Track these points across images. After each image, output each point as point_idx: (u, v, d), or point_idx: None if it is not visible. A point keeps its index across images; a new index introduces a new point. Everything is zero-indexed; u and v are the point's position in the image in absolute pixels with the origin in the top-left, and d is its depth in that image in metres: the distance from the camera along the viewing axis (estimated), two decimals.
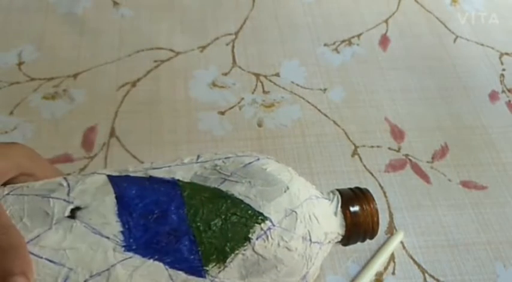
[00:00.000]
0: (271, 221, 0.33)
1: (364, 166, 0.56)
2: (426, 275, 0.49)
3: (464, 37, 0.70)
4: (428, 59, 0.67)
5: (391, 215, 0.53)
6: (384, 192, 0.55)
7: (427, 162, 0.57)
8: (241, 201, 0.33)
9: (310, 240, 0.34)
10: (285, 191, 0.34)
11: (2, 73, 0.63)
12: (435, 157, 0.58)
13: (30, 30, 0.67)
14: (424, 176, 0.56)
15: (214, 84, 0.63)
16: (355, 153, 0.58)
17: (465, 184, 0.56)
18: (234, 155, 0.36)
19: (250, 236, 0.32)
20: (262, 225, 0.32)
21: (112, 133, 0.58)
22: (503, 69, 0.66)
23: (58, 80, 0.62)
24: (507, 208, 0.54)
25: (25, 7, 0.70)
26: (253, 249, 0.32)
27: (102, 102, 0.60)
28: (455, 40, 0.69)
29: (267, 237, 0.32)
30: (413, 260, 0.50)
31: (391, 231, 0.52)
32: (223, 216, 0.32)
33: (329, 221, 0.36)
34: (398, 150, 0.58)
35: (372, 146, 0.58)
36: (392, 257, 0.50)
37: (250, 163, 0.35)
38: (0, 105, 0.59)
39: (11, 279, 0.27)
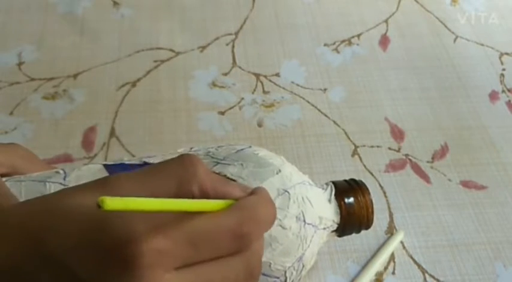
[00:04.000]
0: None
1: (364, 166, 0.56)
2: (426, 275, 0.49)
3: (464, 37, 0.70)
4: (428, 59, 0.67)
5: (391, 215, 0.53)
6: (384, 192, 0.55)
7: (427, 162, 0.57)
8: (234, 181, 0.33)
9: (304, 221, 0.34)
10: (277, 173, 0.35)
11: (2, 73, 0.63)
12: (435, 157, 0.58)
13: (30, 30, 0.67)
14: (424, 176, 0.56)
15: (214, 84, 0.63)
16: (355, 153, 0.58)
17: (465, 184, 0.56)
18: (227, 144, 0.37)
19: None
20: None
21: (112, 133, 0.58)
22: (503, 69, 0.66)
23: (58, 80, 0.62)
24: (507, 208, 0.54)
25: (25, 7, 0.70)
26: None
27: (102, 102, 0.60)
28: (455, 40, 0.69)
29: None
30: (413, 260, 0.50)
31: (391, 231, 0.52)
32: None
33: (323, 206, 0.37)
34: (398, 150, 0.58)
35: (372, 146, 0.58)
36: (392, 257, 0.50)
37: (242, 149, 0.36)
38: (0, 105, 0.59)
39: None
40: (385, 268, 0.49)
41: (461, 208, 0.54)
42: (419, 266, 0.50)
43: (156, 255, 0.21)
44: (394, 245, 0.50)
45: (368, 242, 0.51)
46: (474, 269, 0.49)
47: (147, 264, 0.21)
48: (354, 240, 0.51)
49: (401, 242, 0.51)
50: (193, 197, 0.25)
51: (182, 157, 0.25)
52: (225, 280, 0.24)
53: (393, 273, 0.49)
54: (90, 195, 0.23)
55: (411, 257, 0.50)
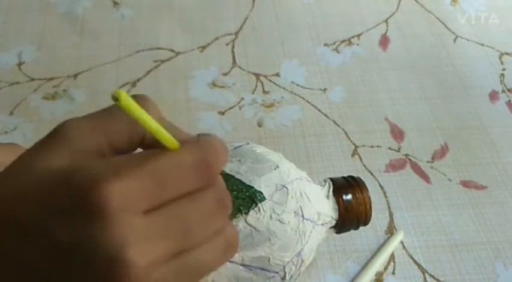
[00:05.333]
0: (262, 194, 0.33)
1: (364, 166, 0.56)
2: (426, 275, 0.49)
3: (464, 37, 0.70)
4: (428, 59, 0.67)
5: (391, 215, 0.53)
6: (384, 192, 0.54)
7: (427, 162, 0.57)
8: (232, 176, 0.34)
9: (303, 216, 0.34)
10: (275, 169, 0.35)
11: (2, 73, 0.63)
12: (435, 157, 0.58)
13: (30, 30, 0.67)
14: (424, 176, 0.56)
15: (214, 84, 0.63)
16: (355, 153, 0.58)
17: (465, 184, 0.56)
18: (225, 141, 0.37)
19: (241, 208, 0.32)
20: (253, 198, 0.33)
21: None
22: (503, 69, 0.66)
23: (58, 80, 0.62)
24: (507, 208, 0.54)
25: (25, 7, 0.70)
26: (245, 220, 0.33)
27: (102, 102, 0.60)
28: (455, 40, 0.69)
29: (259, 209, 0.33)
30: (413, 260, 0.50)
31: (391, 231, 0.52)
32: None
33: (321, 202, 0.37)
34: (398, 150, 0.58)
35: (372, 146, 0.58)
36: (392, 257, 0.50)
37: (240, 146, 0.36)
38: (0, 105, 0.59)
39: None
40: (385, 268, 0.49)
41: (461, 208, 0.54)
42: (419, 266, 0.50)
43: (123, 197, 0.21)
44: (394, 245, 0.50)
45: (368, 242, 0.51)
46: (474, 269, 0.49)
47: (114, 209, 0.21)
48: (354, 240, 0.51)
49: (401, 242, 0.51)
50: (143, 136, 0.25)
51: (136, 96, 0.26)
52: (197, 215, 0.23)
53: (393, 273, 0.49)
54: (52, 156, 0.23)
55: (411, 257, 0.50)
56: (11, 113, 0.59)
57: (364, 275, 0.48)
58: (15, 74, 0.63)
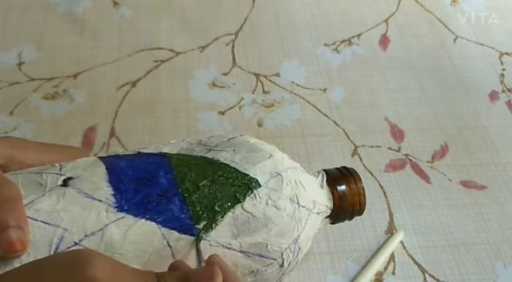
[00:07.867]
0: (257, 181, 0.33)
1: (364, 166, 0.56)
2: (426, 275, 0.49)
3: (464, 37, 0.70)
4: (428, 59, 0.67)
5: (391, 215, 0.53)
6: (384, 192, 0.55)
7: (427, 162, 0.57)
8: (227, 165, 0.34)
9: (298, 203, 0.35)
10: (269, 157, 0.36)
11: (2, 73, 0.63)
12: (435, 157, 0.58)
13: (30, 30, 0.67)
14: (424, 176, 0.56)
15: (214, 84, 0.63)
16: (355, 153, 0.58)
17: (465, 184, 0.56)
18: (218, 134, 0.38)
19: (237, 195, 0.33)
20: (249, 184, 0.33)
21: (112, 133, 0.58)
22: (503, 69, 0.66)
23: (58, 80, 0.62)
24: (507, 208, 0.54)
25: (25, 7, 0.70)
26: (242, 207, 0.33)
27: (102, 102, 0.60)
28: (455, 40, 0.69)
29: (255, 196, 0.33)
30: (413, 260, 0.50)
31: (391, 231, 0.52)
32: (210, 178, 0.33)
33: (316, 191, 0.37)
34: (398, 150, 0.58)
35: (372, 146, 0.58)
36: (392, 257, 0.50)
37: (234, 137, 0.37)
38: (0, 105, 0.59)
39: (7, 232, 0.27)
40: (385, 268, 0.49)
41: (461, 208, 0.54)
42: (419, 266, 0.50)
43: None
44: (394, 245, 0.50)
45: (368, 242, 0.51)
46: (474, 269, 0.50)
47: None
48: (354, 240, 0.51)
49: (401, 242, 0.51)
50: None
51: None
52: None
53: (393, 273, 0.49)
54: None
55: (411, 257, 0.50)
56: (11, 113, 0.59)
57: (364, 275, 0.48)
58: (15, 74, 0.63)
